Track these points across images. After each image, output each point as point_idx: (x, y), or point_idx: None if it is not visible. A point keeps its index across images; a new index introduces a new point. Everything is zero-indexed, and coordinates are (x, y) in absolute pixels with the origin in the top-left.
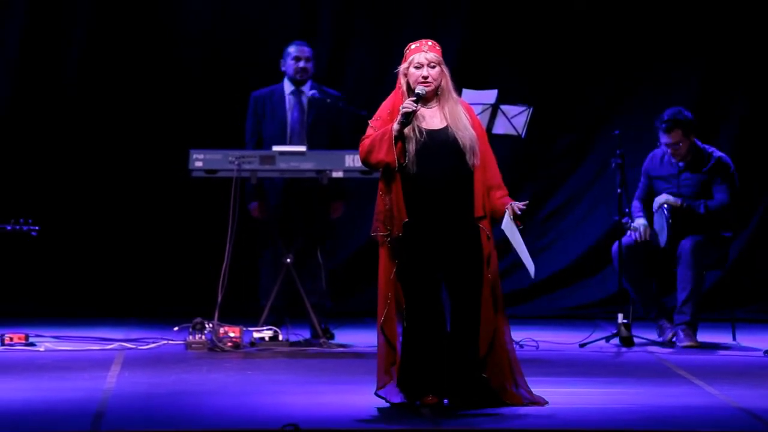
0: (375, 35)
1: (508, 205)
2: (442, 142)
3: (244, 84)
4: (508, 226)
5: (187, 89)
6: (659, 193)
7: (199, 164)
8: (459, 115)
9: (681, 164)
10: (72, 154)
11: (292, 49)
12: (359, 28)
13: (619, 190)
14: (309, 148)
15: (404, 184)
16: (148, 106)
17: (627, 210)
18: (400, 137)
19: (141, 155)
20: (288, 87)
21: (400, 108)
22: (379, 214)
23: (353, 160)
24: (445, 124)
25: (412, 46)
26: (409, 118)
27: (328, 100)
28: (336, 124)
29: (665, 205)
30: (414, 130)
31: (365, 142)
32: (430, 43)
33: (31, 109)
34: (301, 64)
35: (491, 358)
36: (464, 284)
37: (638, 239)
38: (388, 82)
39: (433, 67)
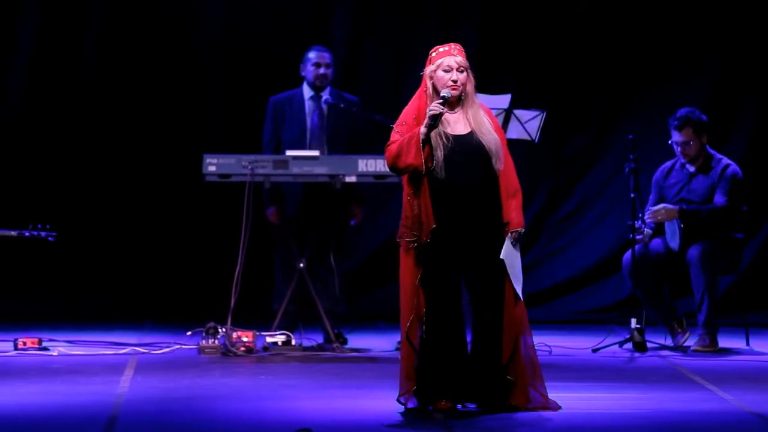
0: (389, 40)
1: (509, 235)
2: (468, 147)
3: (257, 88)
4: (509, 252)
5: (200, 93)
6: (667, 201)
7: (212, 168)
8: (482, 120)
9: (692, 169)
10: (86, 157)
11: (312, 55)
12: (373, 33)
13: (632, 195)
14: (328, 152)
15: (432, 189)
16: (161, 109)
17: (641, 215)
18: (427, 141)
19: (155, 159)
20: (308, 92)
21: (427, 110)
22: (407, 219)
23: (366, 165)
24: (469, 130)
25: (440, 49)
26: (436, 120)
27: (342, 105)
28: (355, 130)
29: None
30: (441, 136)
31: (392, 147)
32: (458, 47)
33: (45, 112)
34: (322, 70)
35: (513, 364)
36: (488, 290)
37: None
38: (402, 87)
39: (462, 71)
